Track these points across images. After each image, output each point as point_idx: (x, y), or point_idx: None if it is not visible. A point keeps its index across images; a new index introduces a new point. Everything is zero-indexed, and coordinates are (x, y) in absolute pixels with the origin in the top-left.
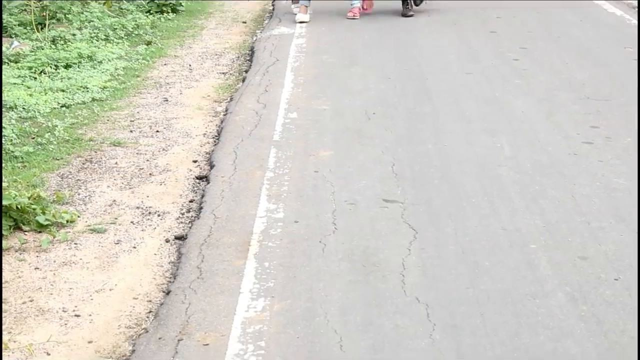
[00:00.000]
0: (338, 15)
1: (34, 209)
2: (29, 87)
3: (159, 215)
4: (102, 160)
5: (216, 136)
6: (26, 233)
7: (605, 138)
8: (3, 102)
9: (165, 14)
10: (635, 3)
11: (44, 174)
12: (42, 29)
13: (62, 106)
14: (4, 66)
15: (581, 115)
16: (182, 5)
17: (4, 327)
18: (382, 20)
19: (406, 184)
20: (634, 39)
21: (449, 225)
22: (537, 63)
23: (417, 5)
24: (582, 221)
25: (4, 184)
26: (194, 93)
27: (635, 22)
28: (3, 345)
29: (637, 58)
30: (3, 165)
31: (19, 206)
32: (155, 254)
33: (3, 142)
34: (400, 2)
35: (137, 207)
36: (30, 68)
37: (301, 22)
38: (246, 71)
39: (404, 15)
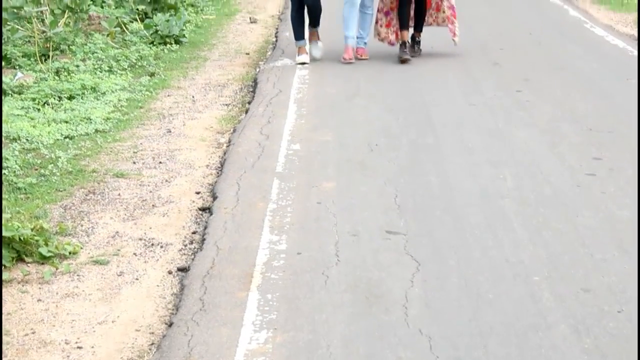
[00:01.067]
0: (341, 49)
1: (37, 241)
2: (32, 119)
3: (161, 247)
4: (105, 192)
5: (219, 167)
6: (29, 265)
7: (608, 170)
8: (6, 134)
9: (168, 45)
10: (636, 34)
11: (47, 205)
12: (45, 60)
13: (65, 137)
14: (7, 97)
15: (584, 147)
16: (185, 37)
17: (5, 359)
18: (384, 54)
19: (409, 215)
20: (636, 71)
21: (452, 257)
22: (540, 95)
23: (414, 53)
24: (585, 253)
25: (7, 216)
26: (197, 124)
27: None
28: None
29: (637, 89)
30: (6, 196)
31: (21, 238)
32: (157, 286)
33: (6, 173)
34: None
35: (140, 239)
36: (33, 99)
37: (302, 63)
38: (249, 102)
39: (401, 58)
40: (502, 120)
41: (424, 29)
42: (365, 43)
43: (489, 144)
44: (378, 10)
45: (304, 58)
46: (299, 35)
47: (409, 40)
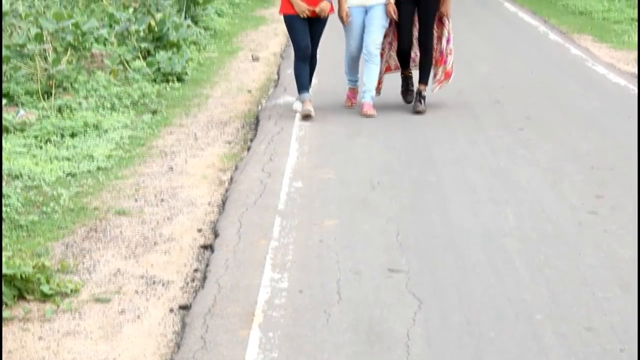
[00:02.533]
0: (342, 88)
1: (38, 278)
2: (34, 156)
3: (163, 285)
4: (107, 229)
5: (221, 205)
6: (30, 302)
7: (610, 208)
8: (9, 171)
9: (170, 83)
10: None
11: (49, 242)
12: (48, 97)
13: (67, 175)
14: (10, 135)
15: (586, 185)
16: (188, 75)
17: None
18: (386, 92)
19: (411, 253)
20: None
21: (454, 296)
22: (541, 133)
23: (417, 111)
24: (587, 291)
25: (8, 253)
26: (199, 162)
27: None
28: None
29: (637, 127)
30: (8, 234)
31: (23, 275)
32: (159, 324)
33: (8, 211)
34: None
35: (142, 277)
36: (36, 137)
37: (307, 116)
38: (251, 140)
39: (417, 112)
40: (503, 159)
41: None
42: (372, 97)
43: (491, 182)
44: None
45: (309, 110)
46: (303, 86)
47: (410, 84)
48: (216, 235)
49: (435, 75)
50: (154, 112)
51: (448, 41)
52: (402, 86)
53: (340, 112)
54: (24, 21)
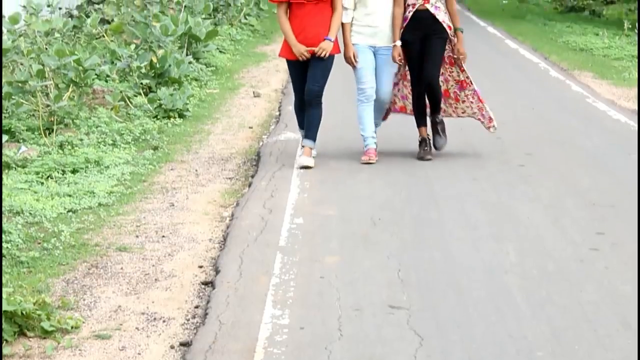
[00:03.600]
0: (343, 123)
1: (39, 315)
2: (35, 192)
3: (164, 321)
4: (108, 266)
5: (222, 241)
6: (31, 339)
7: (611, 244)
8: (10, 207)
9: (172, 119)
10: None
11: (50, 279)
12: (49, 134)
13: (68, 211)
14: (11, 171)
15: (587, 222)
16: (189, 111)
17: None
18: (387, 132)
19: (412, 290)
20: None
21: (455, 332)
22: (542, 169)
23: (437, 148)
24: (588, 328)
25: (9, 290)
26: (200, 198)
27: None
28: None
29: (637, 164)
30: (9, 270)
31: (23, 312)
32: None
33: (9, 247)
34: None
35: (142, 313)
36: (37, 173)
37: (305, 168)
38: (252, 176)
39: (422, 158)
40: (504, 195)
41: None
42: (375, 143)
43: (492, 219)
44: None
45: (307, 161)
46: (304, 126)
47: (427, 137)
48: (217, 271)
49: (488, 116)
50: (155, 149)
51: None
52: (420, 147)
53: (341, 148)
54: (26, 58)
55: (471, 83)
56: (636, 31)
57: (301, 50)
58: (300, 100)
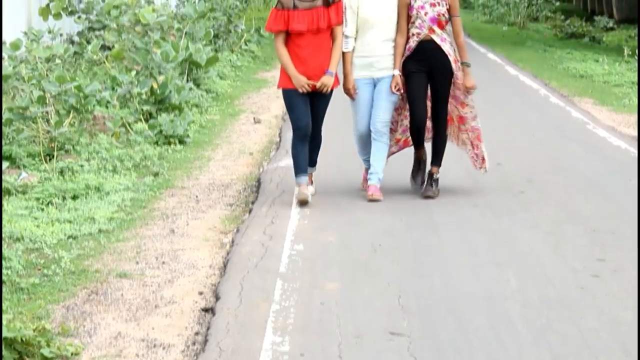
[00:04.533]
0: (344, 150)
1: (39, 342)
2: (36, 218)
3: (164, 348)
4: (108, 292)
5: (222, 268)
6: None
7: (612, 271)
8: (10, 234)
9: (172, 145)
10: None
11: (50, 305)
12: (50, 160)
13: (68, 237)
14: (11, 197)
15: (587, 248)
16: (190, 137)
17: None
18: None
19: (412, 317)
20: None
21: (456, 359)
22: (543, 196)
23: (426, 197)
24: (589, 356)
25: (9, 316)
26: (200, 224)
27: None
28: None
29: (637, 191)
30: (9, 297)
31: (23, 338)
32: None
33: (9, 273)
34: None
35: (142, 340)
36: (37, 199)
37: (303, 202)
38: (253, 202)
39: (426, 196)
40: (505, 221)
41: None
42: (379, 179)
43: (493, 245)
44: None
45: (305, 196)
46: (300, 168)
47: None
48: (217, 298)
49: (481, 155)
50: (156, 175)
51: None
52: (413, 168)
53: (341, 175)
54: (26, 84)
55: (474, 118)
56: (636, 58)
57: (301, 82)
58: (300, 135)
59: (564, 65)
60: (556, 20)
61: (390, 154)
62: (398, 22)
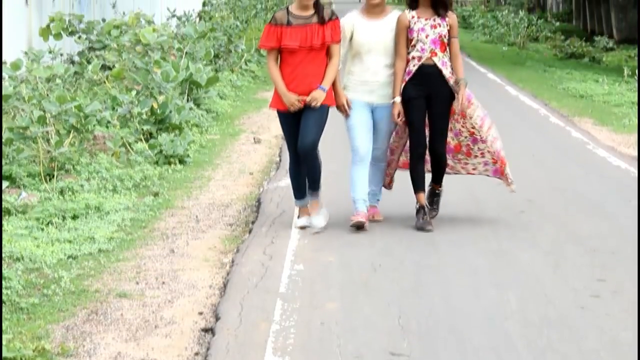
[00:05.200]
0: (345, 170)
1: None
2: (36, 238)
3: None
4: (108, 312)
5: (222, 288)
6: None
7: (612, 292)
8: (10, 254)
9: (172, 165)
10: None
11: (49, 325)
12: (50, 179)
13: (68, 257)
14: (11, 217)
15: (587, 268)
16: (190, 157)
17: None
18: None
19: (412, 336)
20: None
21: None
22: (543, 215)
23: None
24: None
25: (9, 336)
26: (200, 244)
27: None
28: None
29: (637, 211)
30: (8, 317)
31: (23, 358)
32: None
33: (9, 293)
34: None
35: None
36: (37, 219)
37: (303, 227)
38: (253, 222)
39: (421, 228)
40: (505, 241)
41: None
42: (378, 200)
43: (493, 265)
44: None
45: (305, 221)
46: (299, 192)
47: (426, 203)
48: (217, 318)
49: (508, 178)
50: (156, 195)
51: (482, 125)
52: (418, 214)
53: (341, 195)
54: (27, 104)
55: (496, 140)
56: (636, 78)
57: (292, 100)
58: (296, 157)
59: (563, 85)
60: (556, 40)
61: (389, 175)
62: (396, 47)
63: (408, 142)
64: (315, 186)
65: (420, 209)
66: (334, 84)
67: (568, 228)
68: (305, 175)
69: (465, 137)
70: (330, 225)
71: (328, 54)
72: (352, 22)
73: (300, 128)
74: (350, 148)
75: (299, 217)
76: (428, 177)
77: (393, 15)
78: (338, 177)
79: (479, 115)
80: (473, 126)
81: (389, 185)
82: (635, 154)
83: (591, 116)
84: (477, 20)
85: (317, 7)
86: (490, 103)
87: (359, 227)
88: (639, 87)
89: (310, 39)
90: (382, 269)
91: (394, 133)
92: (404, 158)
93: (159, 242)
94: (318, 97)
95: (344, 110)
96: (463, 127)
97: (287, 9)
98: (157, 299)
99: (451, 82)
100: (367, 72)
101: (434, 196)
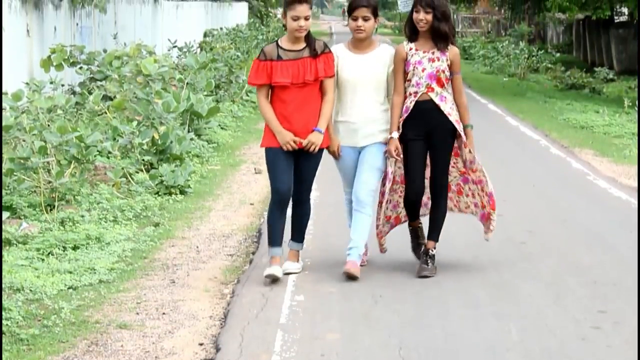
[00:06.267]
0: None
1: None
2: (36, 269)
3: None
4: (108, 343)
5: (223, 319)
6: None
7: (614, 323)
8: (10, 284)
9: (173, 195)
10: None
11: (50, 356)
12: (51, 210)
13: (69, 288)
14: (12, 247)
15: (588, 300)
16: (191, 187)
17: None
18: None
19: None
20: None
21: None
22: (543, 246)
23: (420, 276)
24: None
25: None
26: (201, 275)
27: None
28: None
29: (637, 242)
30: (8, 347)
31: None
32: None
33: (9, 324)
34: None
35: None
36: (38, 249)
37: (273, 279)
38: (253, 253)
39: (422, 276)
40: (506, 272)
41: None
42: (359, 255)
43: (494, 296)
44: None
45: (276, 270)
46: (275, 239)
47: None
48: (218, 349)
49: (489, 225)
50: (157, 225)
51: (473, 163)
52: (412, 241)
53: (341, 227)
54: (28, 134)
55: (487, 183)
56: (636, 109)
57: (286, 139)
58: (280, 201)
59: (564, 116)
60: (556, 71)
61: (380, 233)
62: (394, 80)
63: (397, 195)
64: (300, 237)
65: (424, 253)
66: (327, 129)
67: (569, 259)
68: (284, 222)
69: (455, 177)
70: (330, 257)
71: (321, 90)
72: (337, 55)
73: (297, 174)
74: (343, 188)
75: (270, 265)
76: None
77: (381, 49)
78: (338, 206)
79: (473, 156)
80: (464, 165)
81: (381, 248)
82: (636, 184)
83: (592, 147)
84: (478, 51)
85: (309, 40)
86: (491, 134)
87: (351, 277)
88: (639, 119)
89: (302, 75)
90: (382, 300)
91: (388, 183)
92: (394, 214)
93: (160, 272)
94: (316, 141)
95: (334, 155)
96: (454, 166)
97: (277, 42)
98: (158, 329)
99: (452, 119)
100: (351, 111)
101: (428, 257)
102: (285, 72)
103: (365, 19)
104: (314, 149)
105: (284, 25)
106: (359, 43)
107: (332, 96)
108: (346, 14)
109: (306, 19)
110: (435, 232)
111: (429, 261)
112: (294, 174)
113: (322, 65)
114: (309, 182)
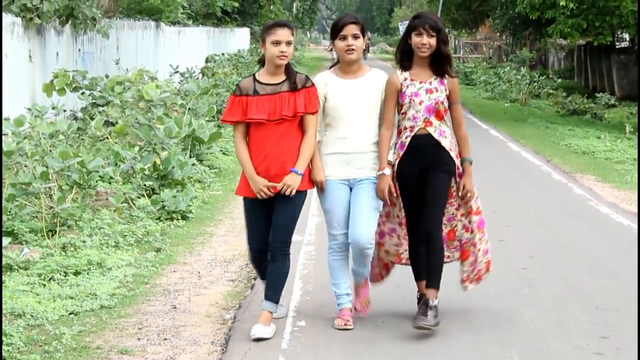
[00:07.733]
0: None
1: None
2: (37, 294)
3: None
4: None
5: (224, 344)
6: None
7: (616, 349)
8: (11, 310)
9: (175, 221)
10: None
11: None
12: (52, 235)
13: (70, 313)
14: (13, 273)
15: (591, 326)
16: (192, 213)
17: None
18: None
19: None
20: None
21: None
22: (545, 272)
23: (418, 327)
24: None
25: None
26: (202, 300)
27: None
28: None
29: (637, 267)
30: None
31: None
32: None
33: (10, 350)
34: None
35: None
36: (39, 275)
37: (258, 339)
38: (255, 278)
39: (418, 327)
40: (508, 299)
41: None
42: (366, 279)
43: (495, 323)
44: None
45: (263, 332)
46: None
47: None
48: None
49: (470, 271)
50: (158, 250)
51: (481, 225)
52: (419, 302)
53: None
54: (30, 160)
55: (486, 240)
56: (637, 134)
57: (259, 186)
58: (256, 258)
59: (566, 142)
60: (558, 97)
61: (376, 276)
62: (385, 112)
63: (394, 238)
64: (274, 296)
65: (421, 298)
66: (312, 159)
67: (571, 285)
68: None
69: (459, 229)
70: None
71: (302, 128)
72: (325, 82)
73: (273, 221)
74: (327, 234)
75: (258, 322)
76: None
77: (373, 74)
78: None
79: (477, 205)
80: (469, 213)
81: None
82: (637, 210)
83: (593, 173)
84: (479, 77)
85: (289, 72)
86: (493, 159)
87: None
88: (639, 145)
89: (279, 110)
90: (385, 326)
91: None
92: (398, 253)
93: (161, 298)
94: (292, 183)
95: (320, 188)
96: (457, 210)
97: (254, 76)
98: (159, 355)
99: (453, 154)
100: (344, 140)
101: (427, 306)
102: (261, 107)
103: (355, 37)
104: (290, 191)
105: (260, 60)
106: (348, 67)
107: (314, 134)
108: (330, 41)
109: (288, 44)
110: (434, 279)
111: (428, 312)
112: (272, 222)
113: (302, 100)
114: (286, 230)
